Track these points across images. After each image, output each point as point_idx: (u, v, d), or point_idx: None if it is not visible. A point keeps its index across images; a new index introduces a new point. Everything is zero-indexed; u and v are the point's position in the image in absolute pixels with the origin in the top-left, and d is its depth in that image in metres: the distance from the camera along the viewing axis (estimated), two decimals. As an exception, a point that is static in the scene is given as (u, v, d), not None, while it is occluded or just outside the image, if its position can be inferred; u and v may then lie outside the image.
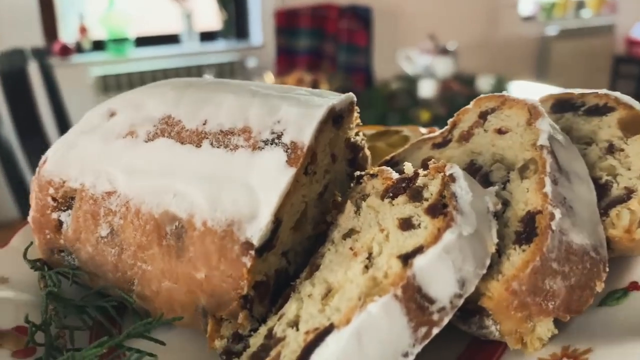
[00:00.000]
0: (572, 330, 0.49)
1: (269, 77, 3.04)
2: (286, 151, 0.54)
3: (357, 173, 0.61)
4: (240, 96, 0.60)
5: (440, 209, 0.47)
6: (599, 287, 0.47)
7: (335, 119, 0.59)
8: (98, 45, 3.60)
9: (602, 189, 0.54)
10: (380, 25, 3.92)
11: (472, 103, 0.63)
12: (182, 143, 0.59)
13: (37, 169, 0.65)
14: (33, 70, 2.41)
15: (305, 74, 3.06)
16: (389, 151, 0.83)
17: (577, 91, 0.64)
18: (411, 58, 3.34)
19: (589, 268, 0.47)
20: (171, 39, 3.85)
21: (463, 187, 0.47)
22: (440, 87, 3.06)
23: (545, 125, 0.53)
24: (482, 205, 0.48)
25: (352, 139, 0.64)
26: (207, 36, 3.95)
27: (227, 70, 3.74)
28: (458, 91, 3.03)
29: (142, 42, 3.73)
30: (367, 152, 0.68)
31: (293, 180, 0.53)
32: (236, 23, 3.95)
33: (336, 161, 0.62)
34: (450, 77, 3.18)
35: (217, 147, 0.57)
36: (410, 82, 3.22)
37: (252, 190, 0.53)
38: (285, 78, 3.00)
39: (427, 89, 3.06)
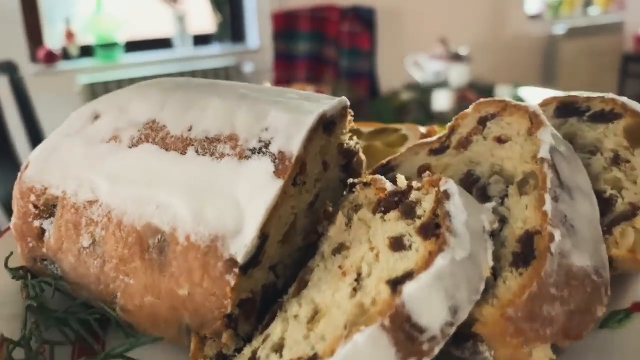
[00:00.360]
0: (571, 355, 0.46)
1: (268, 85, 2.88)
2: (274, 161, 0.52)
3: (350, 181, 0.59)
4: (227, 100, 0.58)
5: (433, 229, 0.44)
6: (601, 312, 0.45)
7: (326, 125, 0.56)
8: (86, 52, 3.43)
9: (606, 204, 0.51)
10: (385, 27, 3.75)
11: (471, 108, 0.60)
12: (166, 150, 0.57)
13: (19, 174, 0.62)
14: (3, 85, 2.26)
15: (305, 86, 2.78)
16: (386, 151, 0.81)
17: (582, 94, 0.61)
18: (420, 64, 3.09)
19: (590, 292, 0.45)
20: (163, 44, 3.67)
21: (458, 206, 0.44)
22: (456, 99, 2.79)
23: (547, 135, 0.50)
24: (478, 225, 0.45)
25: (345, 145, 0.61)
26: (201, 40, 3.77)
27: (223, 76, 3.60)
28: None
29: (132, 47, 3.57)
30: (362, 157, 0.65)
31: (281, 193, 0.50)
32: (232, 26, 3.80)
33: (328, 169, 0.59)
34: (466, 87, 2.92)
35: (203, 155, 0.55)
36: (422, 93, 2.95)
37: (237, 203, 0.51)
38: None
39: (442, 101, 2.77)
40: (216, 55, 3.70)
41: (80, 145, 0.61)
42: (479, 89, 2.94)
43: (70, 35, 3.35)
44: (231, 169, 0.53)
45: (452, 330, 0.41)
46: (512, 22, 4.54)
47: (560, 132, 0.60)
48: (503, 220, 0.48)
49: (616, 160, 0.54)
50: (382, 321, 0.39)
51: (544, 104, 0.64)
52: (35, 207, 0.60)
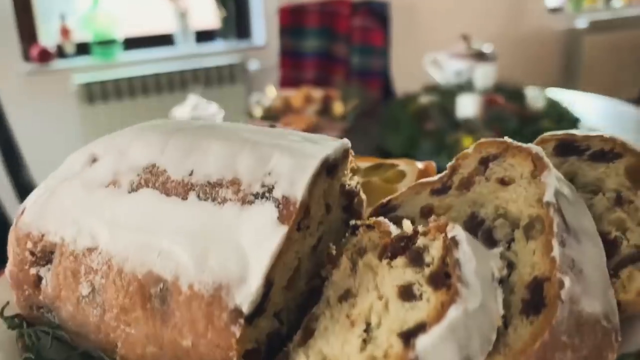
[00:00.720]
0: (583, 401, 0.46)
1: (271, 91, 2.67)
2: (277, 206, 0.51)
3: (352, 222, 0.58)
4: (229, 143, 0.57)
5: (443, 278, 0.44)
6: (612, 358, 0.45)
7: (329, 168, 0.56)
8: (82, 49, 3.30)
9: (611, 246, 0.51)
10: (399, 22, 3.49)
11: (471, 148, 0.60)
12: (167, 195, 0.56)
13: (15, 220, 0.61)
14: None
15: (313, 90, 2.57)
16: (384, 187, 0.81)
17: (580, 133, 0.62)
18: (440, 63, 2.78)
19: (600, 338, 0.44)
20: (164, 40, 3.53)
21: (467, 253, 0.44)
22: (482, 103, 2.39)
23: (552, 179, 0.50)
24: (487, 272, 0.45)
25: (347, 186, 0.61)
26: (204, 36, 3.62)
27: (227, 74, 3.47)
28: (506, 109, 2.40)
29: (131, 44, 3.44)
30: (363, 197, 0.65)
31: (285, 239, 0.50)
32: (236, 21, 3.61)
33: (330, 211, 0.59)
34: (492, 89, 2.56)
35: (205, 200, 0.54)
36: (443, 95, 2.57)
37: (241, 250, 0.50)
38: (290, 96, 2.54)
39: (468, 106, 2.35)
40: (220, 52, 3.57)
41: (79, 189, 0.60)
42: (506, 92, 2.58)
43: (65, 32, 3.22)
44: (234, 214, 0.52)
45: (465, 382, 0.41)
46: (531, 15, 4.33)
47: (560, 171, 0.60)
48: (510, 265, 0.48)
49: (619, 201, 0.54)
50: (395, 376, 0.39)
51: (542, 142, 0.64)
52: (32, 254, 0.59)
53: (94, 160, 0.63)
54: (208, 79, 3.45)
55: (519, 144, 0.56)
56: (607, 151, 0.58)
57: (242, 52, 3.56)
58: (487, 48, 2.82)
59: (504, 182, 0.55)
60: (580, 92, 3.08)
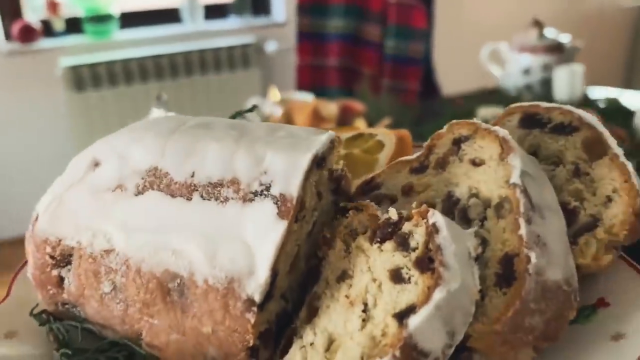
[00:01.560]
0: (549, 351, 0.54)
1: (275, 95, 2.00)
2: (276, 203, 0.57)
3: (342, 204, 0.65)
4: (224, 145, 0.62)
5: (427, 263, 0.51)
6: (572, 315, 0.53)
7: (318, 162, 0.61)
8: (73, 26, 2.89)
9: (570, 215, 0.58)
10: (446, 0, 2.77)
11: (445, 128, 0.66)
12: (172, 196, 0.61)
13: (30, 227, 0.66)
14: None
15: (324, 105, 1.71)
16: (365, 158, 0.87)
17: (543, 105, 0.68)
18: (502, 57, 2.17)
19: (562, 301, 0.52)
20: (168, 16, 3.06)
21: (447, 238, 0.51)
22: None
23: (517, 160, 0.57)
24: (465, 252, 0.52)
25: (334, 172, 0.67)
26: (215, 12, 3.13)
27: (240, 57, 2.92)
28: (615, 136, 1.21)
29: (129, 20, 3.00)
30: (349, 178, 0.71)
31: (286, 233, 0.56)
32: None
33: (322, 197, 0.65)
34: (579, 101, 1.88)
35: (208, 200, 0.60)
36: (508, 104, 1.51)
37: (247, 246, 0.56)
38: (294, 110, 1.74)
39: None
40: (233, 30, 3.13)
41: (87, 195, 0.65)
42: (603, 107, 1.83)
43: (53, 6, 2.85)
44: (236, 212, 0.58)
45: (451, 350, 0.48)
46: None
47: (525, 143, 0.67)
48: (484, 242, 0.55)
49: (577, 172, 0.61)
50: (394, 351, 0.46)
51: (509, 113, 0.70)
52: (52, 257, 0.64)
53: (96, 164, 0.67)
54: (218, 62, 2.97)
55: (488, 126, 0.62)
56: (566, 125, 0.64)
57: (259, 31, 3.14)
58: (564, 38, 2.17)
59: (475, 163, 0.61)
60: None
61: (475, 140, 0.62)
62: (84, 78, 2.81)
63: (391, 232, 0.56)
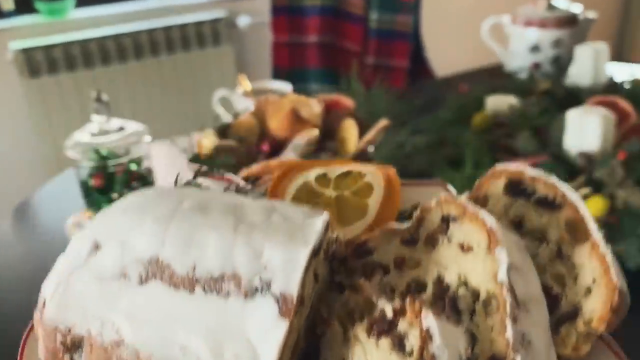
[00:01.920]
0: None
1: (245, 84, 1.69)
2: (277, 302, 0.60)
3: (338, 280, 0.68)
4: (223, 236, 0.64)
5: (422, 370, 0.55)
6: (552, 406, 0.58)
7: (315, 251, 0.64)
8: (23, 5, 2.68)
9: (553, 301, 0.62)
10: None
11: (434, 202, 0.69)
12: (175, 288, 0.64)
13: (39, 313, 0.68)
14: None
15: (305, 102, 1.29)
16: (355, 201, 0.89)
17: (528, 174, 0.70)
18: (505, 32, 1.88)
19: (544, 394, 0.57)
20: None
21: (441, 347, 0.55)
22: (609, 122, 1.22)
23: (503, 255, 0.60)
24: (456, 355, 0.56)
25: (329, 249, 0.69)
26: None
27: (210, 33, 2.76)
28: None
29: None
30: (342, 240, 0.73)
31: (287, 331, 0.59)
32: None
33: (318, 279, 0.68)
34: (603, 88, 1.57)
35: (210, 293, 0.62)
36: (522, 92, 1.59)
37: (250, 344, 0.60)
38: (267, 112, 1.30)
39: (590, 128, 1.19)
40: (201, 4, 2.96)
41: (92, 281, 0.67)
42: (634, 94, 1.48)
43: None
44: (239, 308, 0.61)
45: None
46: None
47: (510, 213, 0.70)
48: (473, 338, 0.59)
49: (559, 254, 0.64)
50: None
51: (494, 177, 0.72)
52: (63, 344, 0.67)
53: (97, 247, 0.69)
54: (185, 40, 2.83)
55: (475, 210, 0.65)
56: (550, 200, 0.67)
57: (230, 4, 2.98)
58: (577, 8, 1.86)
59: (464, 249, 0.64)
60: None
61: (464, 223, 0.65)
62: (39, 62, 2.61)
63: (387, 330, 0.59)
